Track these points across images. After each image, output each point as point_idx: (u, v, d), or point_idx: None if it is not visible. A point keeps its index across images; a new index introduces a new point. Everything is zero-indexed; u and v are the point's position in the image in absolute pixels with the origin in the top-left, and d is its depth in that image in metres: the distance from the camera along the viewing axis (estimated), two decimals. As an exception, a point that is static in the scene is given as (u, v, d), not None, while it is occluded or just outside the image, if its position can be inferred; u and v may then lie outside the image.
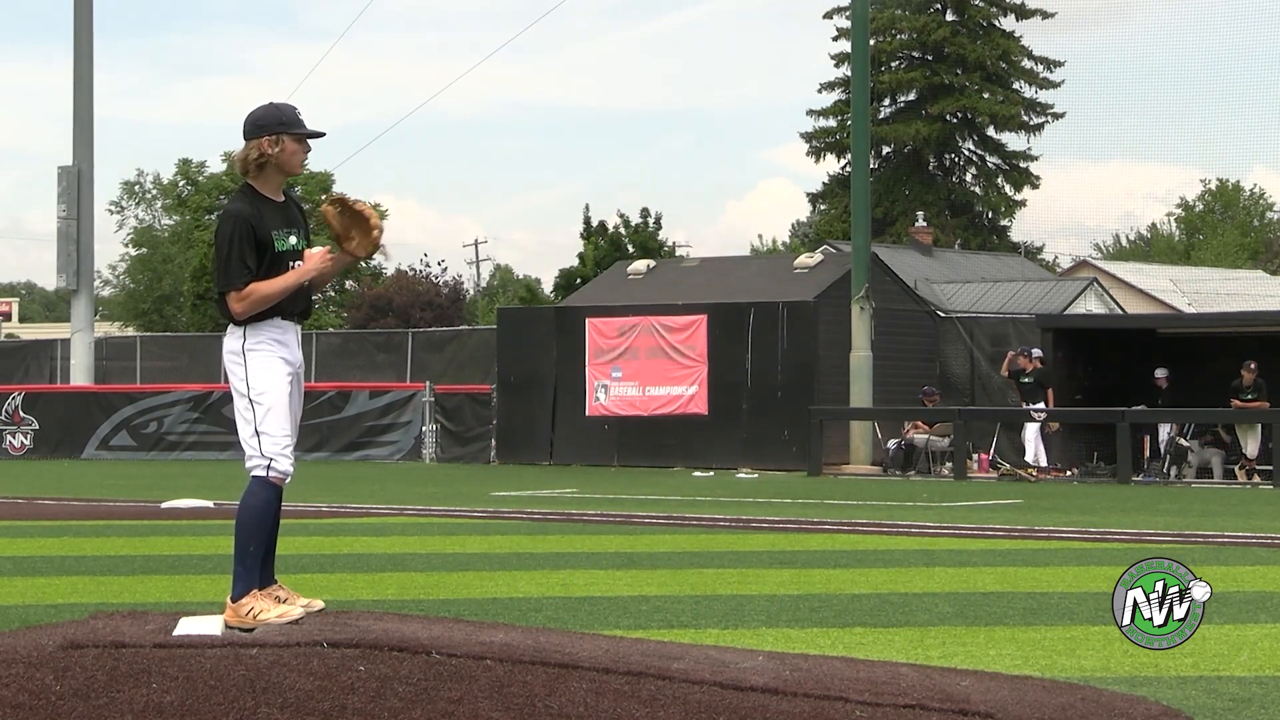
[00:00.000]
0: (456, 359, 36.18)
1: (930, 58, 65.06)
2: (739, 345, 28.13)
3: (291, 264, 6.64)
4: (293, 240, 6.66)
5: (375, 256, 6.93)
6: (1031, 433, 26.40)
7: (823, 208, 69.52)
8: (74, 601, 8.58)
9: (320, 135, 6.69)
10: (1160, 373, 26.28)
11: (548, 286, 59.42)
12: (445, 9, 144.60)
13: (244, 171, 6.65)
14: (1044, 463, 25.97)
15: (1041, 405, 26.27)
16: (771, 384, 27.84)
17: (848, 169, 59.33)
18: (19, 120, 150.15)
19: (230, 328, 6.76)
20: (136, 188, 70.47)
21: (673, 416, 28.30)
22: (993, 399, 29.52)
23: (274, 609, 6.41)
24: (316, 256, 6.68)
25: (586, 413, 29.18)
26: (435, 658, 5.71)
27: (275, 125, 6.58)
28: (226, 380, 6.83)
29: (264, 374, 6.65)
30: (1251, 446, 24.75)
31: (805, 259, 30.65)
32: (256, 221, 6.55)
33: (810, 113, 67.03)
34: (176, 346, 43.26)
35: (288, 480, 6.64)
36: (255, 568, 6.54)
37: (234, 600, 6.42)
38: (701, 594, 9.11)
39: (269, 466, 6.57)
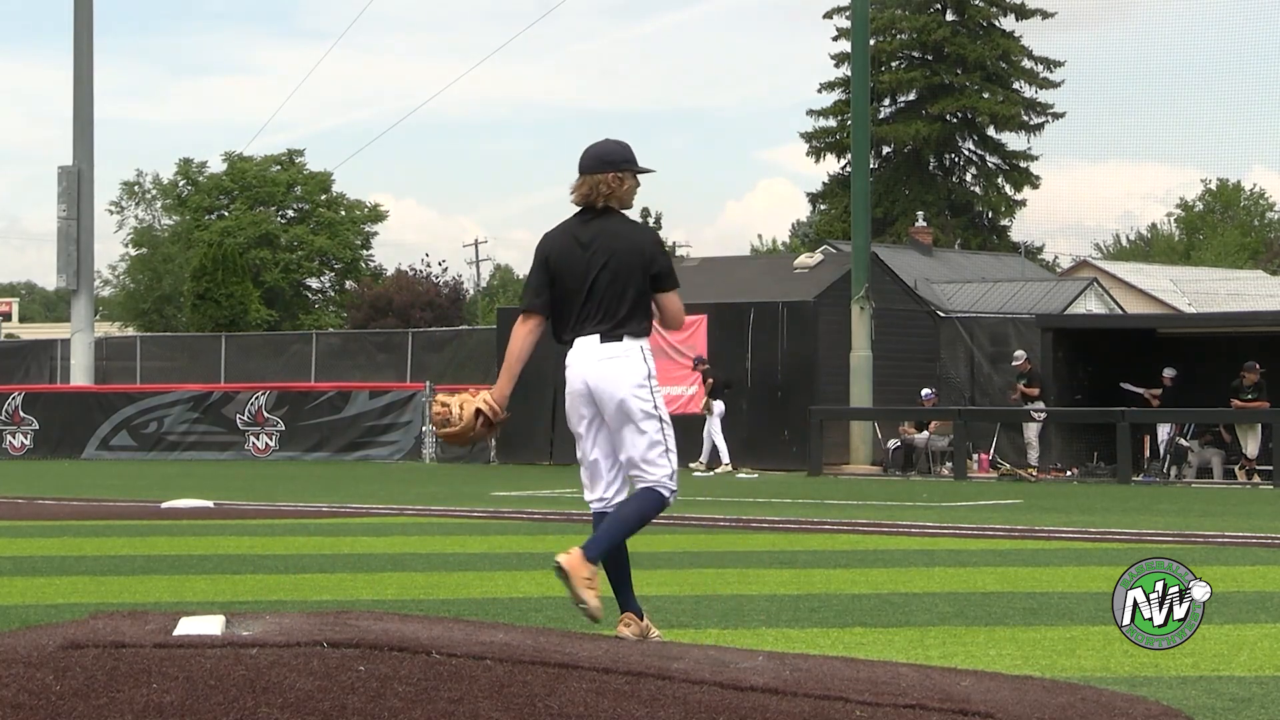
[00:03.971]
0: (456, 359, 36.19)
1: (930, 58, 65.06)
2: (739, 345, 28.14)
3: None
4: None
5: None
6: (1033, 433, 26.50)
7: (823, 208, 69.54)
8: (74, 601, 8.58)
9: (651, 171, 7.00)
10: (1168, 372, 26.27)
11: (548, 286, 59.39)
12: (445, 9, 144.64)
13: (584, 203, 6.86)
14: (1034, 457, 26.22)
15: (1041, 405, 26.36)
16: (771, 384, 27.84)
17: (848, 169, 59.35)
18: (19, 120, 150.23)
19: (623, 345, 6.81)
20: (136, 188, 70.47)
21: (673, 416, 28.22)
22: (993, 399, 29.53)
23: (597, 598, 6.59)
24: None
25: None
26: (435, 658, 5.71)
27: (622, 162, 6.86)
28: (624, 405, 6.82)
29: (663, 398, 6.98)
30: (1251, 446, 24.75)
31: (805, 259, 30.66)
32: None
33: (810, 113, 67.12)
34: (176, 346, 43.27)
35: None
36: (609, 552, 6.73)
37: (589, 559, 6.58)
38: (701, 594, 9.11)
39: (671, 483, 6.88)
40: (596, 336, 6.76)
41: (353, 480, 23.37)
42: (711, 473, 26.77)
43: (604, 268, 6.75)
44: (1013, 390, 27.81)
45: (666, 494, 6.82)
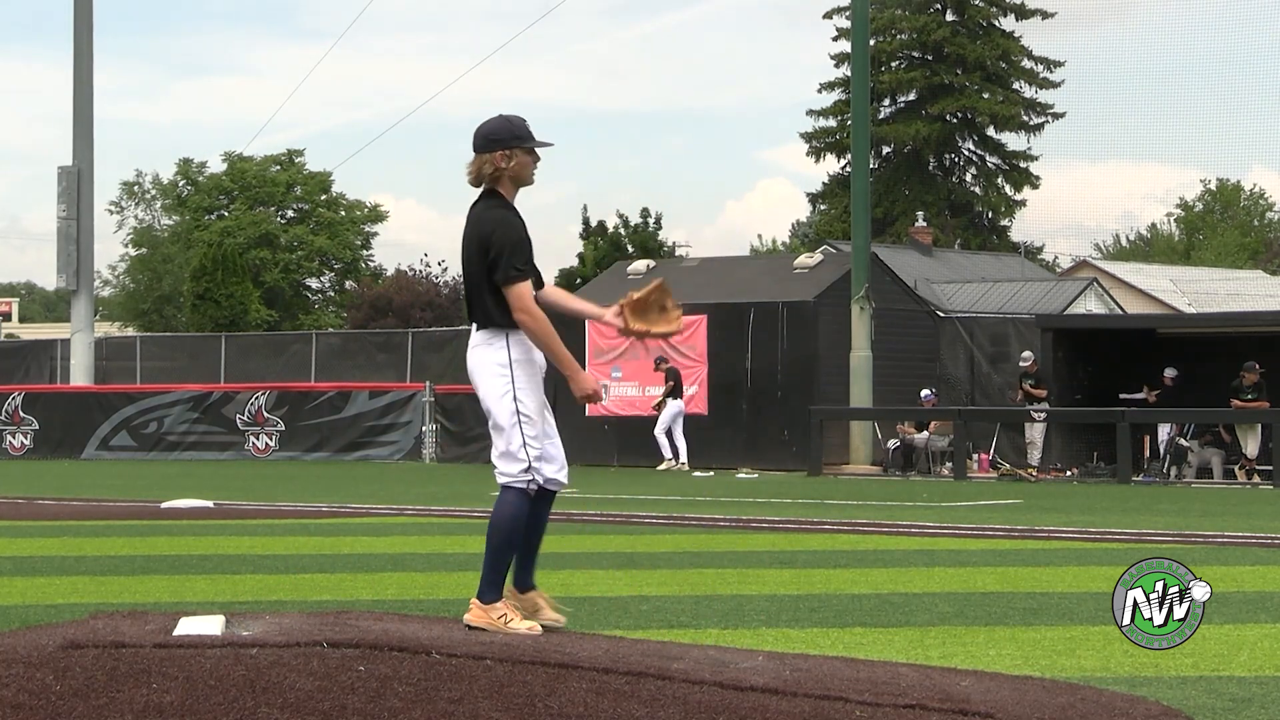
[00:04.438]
0: (456, 359, 36.12)
1: (930, 58, 65.07)
2: (739, 345, 28.14)
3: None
4: None
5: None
6: (1037, 433, 26.51)
7: (823, 208, 69.55)
8: (74, 601, 8.58)
9: (550, 145, 6.84)
10: (1169, 372, 26.28)
11: (548, 286, 59.42)
12: (444, 9, 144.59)
13: (477, 183, 6.77)
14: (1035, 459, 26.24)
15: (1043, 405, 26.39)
16: (771, 384, 27.84)
17: (848, 169, 59.35)
18: (19, 120, 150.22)
19: (490, 335, 6.71)
20: (136, 188, 70.48)
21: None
22: (993, 399, 29.53)
23: (524, 621, 6.64)
24: (590, 386, 6.82)
25: (586, 413, 29.17)
26: (435, 658, 5.71)
27: (509, 139, 6.72)
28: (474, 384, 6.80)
29: (530, 390, 6.72)
30: (1251, 446, 24.75)
31: (805, 259, 30.66)
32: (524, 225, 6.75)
33: (810, 113, 67.13)
34: (176, 346, 43.26)
35: (561, 489, 6.86)
36: (504, 577, 6.76)
37: (484, 604, 6.65)
38: (701, 594, 9.10)
39: (530, 481, 6.70)
40: (475, 324, 6.80)
41: (353, 480, 23.36)
42: (663, 467, 26.93)
43: (464, 258, 6.79)
44: (1014, 390, 27.82)
45: (523, 486, 6.70)
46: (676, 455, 27.28)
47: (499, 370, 6.66)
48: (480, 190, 6.83)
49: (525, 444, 6.66)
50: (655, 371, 27.97)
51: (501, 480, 6.71)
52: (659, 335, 7.12)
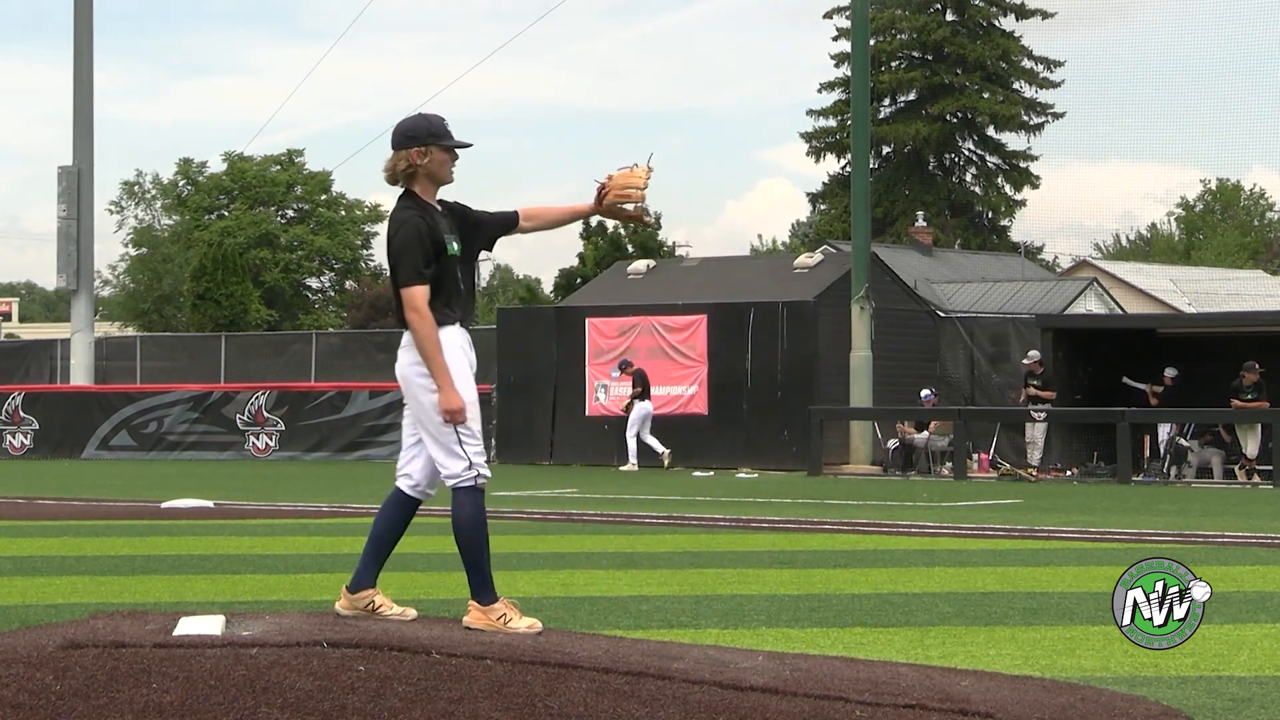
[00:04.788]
0: (456, 359, 36.16)
1: (930, 58, 65.08)
2: (739, 345, 28.14)
3: (459, 270, 6.76)
4: (456, 245, 6.77)
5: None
6: (1039, 433, 26.51)
7: (823, 208, 69.56)
8: (74, 601, 8.58)
9: (468, 145, 6.79)
10: (1169, 372, 26.28)
11: (547, 286, 59.47)
12: (444, 9, 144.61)
13: (393, 181, 6.74)
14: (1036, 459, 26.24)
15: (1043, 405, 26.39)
16: (771, 384, 27.84)
17: (848, 169, 59.36)
18: (19, 120, 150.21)
19: (408, 338, 6.74)
20: (136, 188, 70.49)
21: (673, 416, 28.31)
22: (993, 399, 29.53)
23: (523, 620, 6.66)
24: (454, 398, 6.63)
25: (586, 413, 29.19)
26: (435, 658, 5.71)
27: (425, 136, 6.69)
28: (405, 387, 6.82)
29: (460, 384, 6.69)
30: (1251, 446, 24.75)
31: (805, 259, 30.67)
32: (430, 226, 6.65)
33: (810, 113, 67.16)
34: (176, 346, 43.25)
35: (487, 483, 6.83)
36: (490, 573, 6.74)
37: (483, 605, 6.65)
38: (701, 594, 9.10)
39: (476, 476, 6.69)
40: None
41: (353, 480, 23.35)
42: (624, 468, 26.94)
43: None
44: (1017, 391, 27.81)
45: (470, 483, 6.69)
46: (641, 455, 27.16)
47: (424, 369, 6.68)
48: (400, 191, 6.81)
49: (461, 441, 6.67)
50: (621, 375, 27.92)
51: (450, 484, 6.72)
52: (626, 211, 7.02)
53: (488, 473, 6.77)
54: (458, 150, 6.79)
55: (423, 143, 6.68)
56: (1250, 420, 24.80)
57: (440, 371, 6.63)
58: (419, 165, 6.69)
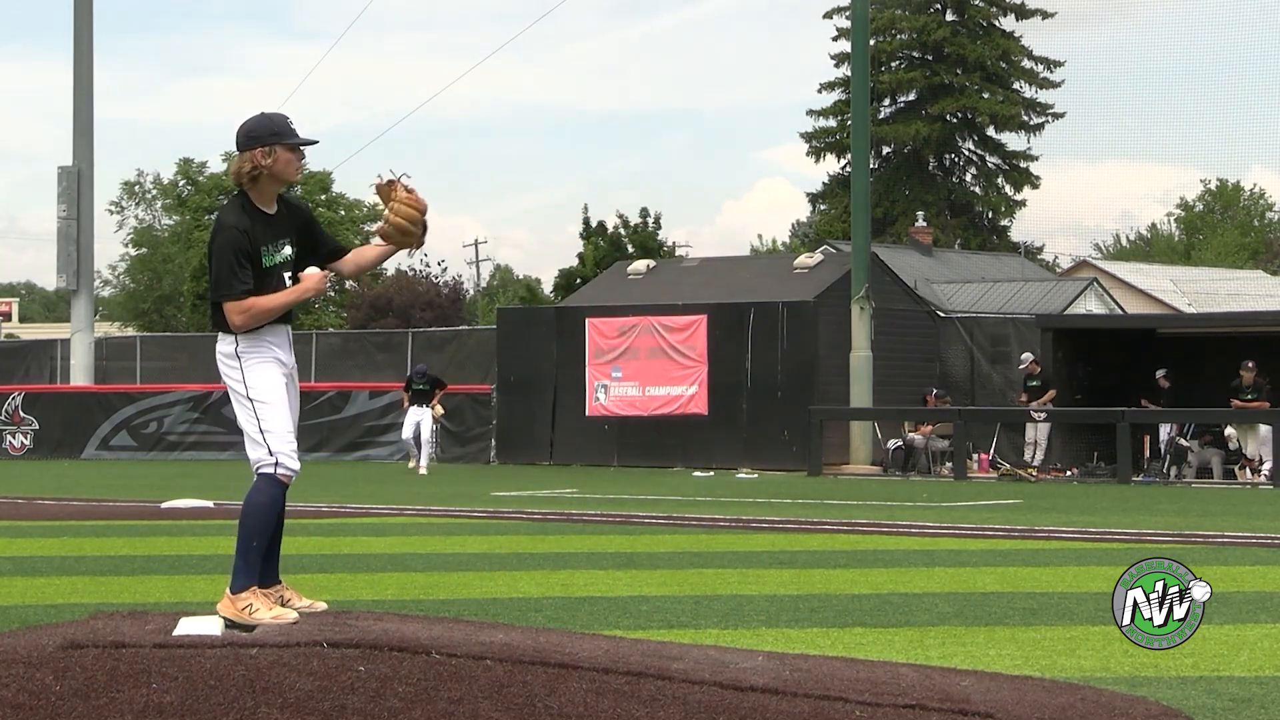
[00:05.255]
0: (456, 359, 36.16)
1: (930, 58, 65.07)
2: (739, 345, 28.14)
3: (285, 275, 6.67)
4: (285, 252, 6.68)
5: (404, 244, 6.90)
6: (1041, 433, 26.52)
7: (823, 208, 69.53)
8: (74, 601, 8.58)
9: (313, 143, 6.70)
10: (1160, 371, 26.30)
11: (548, 286, 59.44)
12: (444, 9, 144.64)
13: (239, 183, 6.65)
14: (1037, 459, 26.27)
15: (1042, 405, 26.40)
16: (771, 384, 27.84)
17: (848, 169, 59.35)
18: (19, 120, 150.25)
19: (222, 334, 6.76)
20: (136, 188, 70.50)
21: (673, 416, 28.31)
22: (993, 399, 29.53)
23: (270, 610, 6.51)
24: (316, 277, 6.73)
25: (586, 413, 29.19)
26: (435, 658, 5.71)
27: (268, 136, 6.57)
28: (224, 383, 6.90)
29: (261, 375, 6.74)
30: (1251, 446, 24.75)
31: (805, 259, 30.66)
32: (248, 235, 6.56)
33: (810, 113, 67.12)
34: (176, 346, 43.24)
35: (293, 478, 6.74)
36: (257, 564, 6.67)
37: (234, 593, 6.53)
38: (701, 594, 9.10)
39: (276, 465, 6.67)
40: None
41: (353, 480, 23.37)
42: (411, 466, 26.64)
43: None
44: (1015, 391, 27.83)
45: (269, 470, 6.71)
46: (418, 455, 26.75)
47: (230, 363, 6.79)
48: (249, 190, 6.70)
49: (262, 430, 6.70)
50: (418, 379, 27.24)
51: (252, 468, 6.75)
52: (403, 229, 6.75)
53: (293, 466, 6.72)
54: (303, 149, 6.68)
55: (265, 142, 6.56)
56: (1250, 420, 24.80)
57: (294, 297, 6.67)
58: (264, 166, 6.57)
